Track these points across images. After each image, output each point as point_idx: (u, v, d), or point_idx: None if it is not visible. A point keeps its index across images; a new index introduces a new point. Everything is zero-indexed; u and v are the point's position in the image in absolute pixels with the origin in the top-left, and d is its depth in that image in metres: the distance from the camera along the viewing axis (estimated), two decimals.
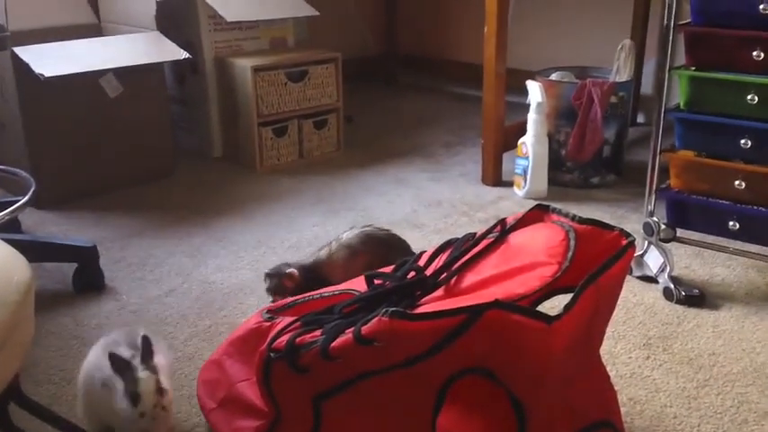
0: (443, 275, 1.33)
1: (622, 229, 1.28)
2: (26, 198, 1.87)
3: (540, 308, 1.23)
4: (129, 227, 2.37)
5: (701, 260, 2.12)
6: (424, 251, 1.48)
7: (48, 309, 1.88)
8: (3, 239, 0.90)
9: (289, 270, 1.81)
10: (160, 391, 1.31)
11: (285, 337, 1.29)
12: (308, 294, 1.52)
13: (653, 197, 1.99)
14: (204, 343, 1.73)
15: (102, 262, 2.02)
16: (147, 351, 1.32)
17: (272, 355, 1.29)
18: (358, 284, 1.47)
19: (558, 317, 1.07)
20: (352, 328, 1.17)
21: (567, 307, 1.09)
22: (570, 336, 1.10)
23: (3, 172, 2.15)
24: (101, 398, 1.32)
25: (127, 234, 2.32)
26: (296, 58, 2.89)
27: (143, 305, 1.91)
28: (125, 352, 1.32)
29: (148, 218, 2.43)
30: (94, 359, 1.38)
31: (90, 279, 1.98)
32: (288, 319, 1.39)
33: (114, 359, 1.29)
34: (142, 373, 1.30)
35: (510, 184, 2.71)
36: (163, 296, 1.96)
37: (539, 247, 1.27)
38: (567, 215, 1.34)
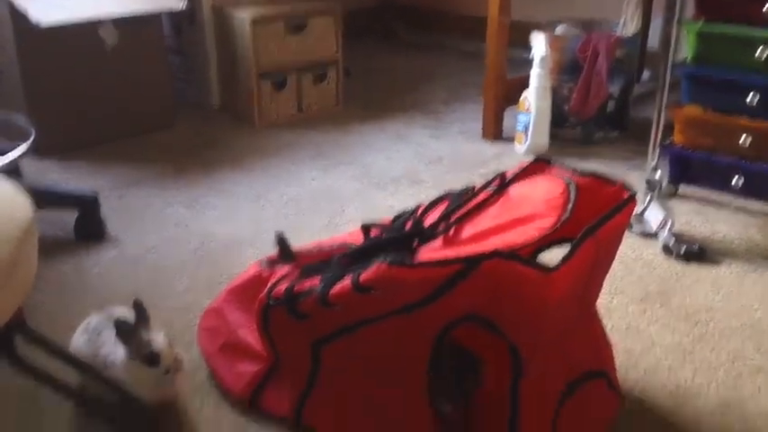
0: (441, 226, 1.33)
1: (624, 183, 1.28)
2: (26, 145, 1.86)
3: (538, 260, 1.23)
4: (129, 176, 2.36)
5: (702, 217, 2.11)
6: (422, 204, 1.48)
7: (49, 256, 1.89)
8: None
9: None
10: (170, 345, 1.31)
11: (284, 285, 1.30)
12: (307, 246, 1.52)
13: (656, 153, 1.99)
14: (203, 291, 1.74)
15: (102, 211, 2.02)
16: (142, 315, 1.31)
17: (271, 301, 1.30)
18: (355, 238, 1.47)
19: (556, 267, 1.07)
20: (351, 276, 1.18)
21: (566, 258, 1.09)
22: (568, 286, 1.10)
23: (2, 119, 2.13)
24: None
25: (126, 183, 2.31)
26: (295, 10, 2.85)
27: (143, 254, 1.92)
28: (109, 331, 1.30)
29: (147, 168, 2.43)
30: (78, 345, 1.36)
31: (91, 227, 1.99)
32: (287, 268, 1.39)
33: (119, 325, 1.27)
34: (150, 334, 1.29)
35: (511, 141, 2.69)
36: (162, 245, 1.96)
37: (538, 198, 1.27)
38: (567, 168, 1.34)
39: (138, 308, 1.30)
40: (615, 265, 1.84)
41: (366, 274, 1.14)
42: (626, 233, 2.01)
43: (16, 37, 2.34)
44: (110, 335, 1.30)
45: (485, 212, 1.32)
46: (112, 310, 1.40)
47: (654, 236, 1.99)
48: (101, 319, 1.36)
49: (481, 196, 1.34)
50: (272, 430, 1.33)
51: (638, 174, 2.33)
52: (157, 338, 1.28)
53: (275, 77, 2.82)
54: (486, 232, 1.26)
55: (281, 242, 1.39)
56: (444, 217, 1.34)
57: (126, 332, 1.27)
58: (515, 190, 1.32)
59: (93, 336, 1.33)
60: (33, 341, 0.83)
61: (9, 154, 1.79)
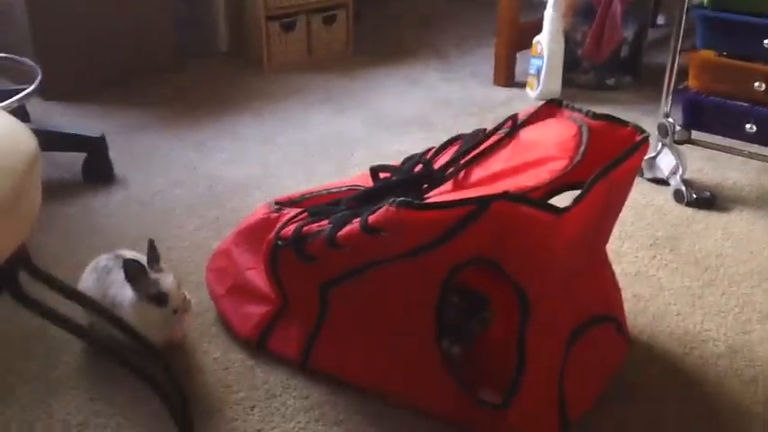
0: (451, 169, 1.31)
1: (636, 125, 1.26)
2: (33, 86, 1.85)
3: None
4: (136, 120, 2.35)
5: (714, 163, 2.09)
6: (432, 147, 1.47)
7: (57, 198, 1.89)
8: None
9: None
10: (179, 286, 1.31)
11: (292, 226, 1.30)
12: (315, 189, 1.52)
13: (669, 98, 1.95)
14: (212, 233, 1.74)
15: (110, 154, 2.01)
16: (153, 254, 1.31)
17: (279, 242, 1.29)
18: (364, 181, 1.46)
19: (567, 209, 1.06)
20: (359, 218, 1.17)
21: (577, 199, 1.07)
22: (578, 229, 1.09)
23: (9, 60, 2.11)
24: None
25: (134, 127, 2.30)
26: None
27: (151, 196, 1.91)
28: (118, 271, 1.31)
29: (155, 111, 2.41)
30: (86, 284, 1.36)
31: (99, 169, 1.98)
32: (295, 210, 1.39)
33: (128, 265, 1.27)
34: (158, 274, 1.29)
35: (522, 86, 2.65)
36: (170, 188, 1.96)
37: (550, 141, 1.25)
38: (580, 111, 1.32)
39: (151, 247, 1.31)
40: (625, 210, 1.83)
41: (375, 216, 1.13)
42: (637, 179, 1.99)
43: None
44: (118, 275, 1.31)
45: (496, 155, 1.30)
46: (121, 251, 1.40)
47: (665, 182, 1.97)
48: (109, 259, 1.37)
49: (492, 139, 1.32)
50: (279, 372, 1.34)
51: (651, 119, 2.30)
52: (166, 279, 1.29)
53: (284, 19, 2.78)
54: (497, 175, 1.25)
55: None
56: (454, 160, 1.32)
57: (134, 272, 1.27)
58: (527, 133, 1.30)
59: (102, 275, 1.34)
60: (39, 278, 0.84)
61: (15, 97, 1.78)
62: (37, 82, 1.87)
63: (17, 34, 2.43)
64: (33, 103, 2.25)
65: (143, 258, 1.32)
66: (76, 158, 2.00)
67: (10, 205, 0.69)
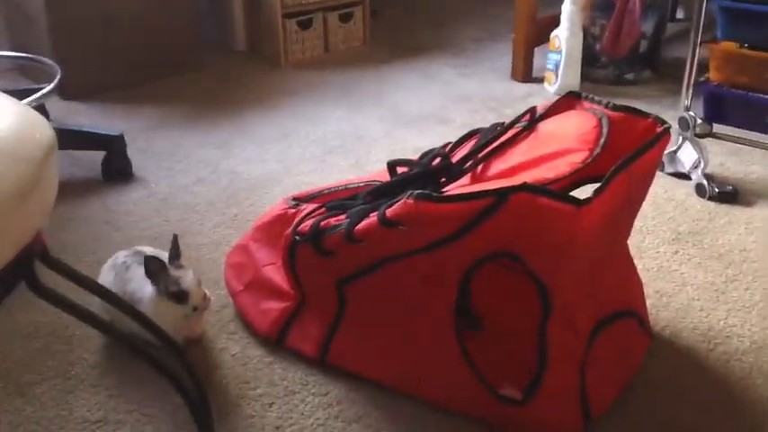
0: (469, 163, 1.30)
1: (657, 116, 1.25)
2: (52, 84, 1.86)
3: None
4: (156, 118, 2.36)
5: (736, 157, 2.06)
6: (450, 142, 1.46)
7: (77, 196, 1.90)
8: None
9: None
10: (199, 283, 1.31)
11: (310, 221, 1.29)
12: (333, 185, 1.51)
13: (690, 91, 1.93)
14: (231, 230, 1.74)
15: (129, 152, 2.02)
16: (175, 251, 1.31)
17: (297, 238, 1.29)
18: (382, 176, 1.45)
19: (587, 200, 1.04)
20: (377, 212, 1.16)
21: (598, 191, 1.06)
22: (599, 221, 1.08)
23: (29, 60, 2.13)
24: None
25: (154, 125, 2.31)
26: None
27: (171, 193, 1.92)
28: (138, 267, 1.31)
29: (174, 110, 2.42)
30: (105, 280, 1.36)
31: (118, 167, 1.99)
32: (313, 206, 1.38)
33: (149, 261, 1.27)
34: (179, 271, 1.29)
35: (541, 81, 2.64)
36: (191, 185, 1.96)
37: (569, 133, 1.24)
38: (600, 102, 1.30)
39: (174, 243, 1.30)
40: (647, 205, 1.82)
41: (392, 209, 1.12)
42: (658, 173, 1.97)
43: None
44: (138, 271, 1.31)
45: (514, 148, 1.29)
46: (140, 247, 1.40)
47: (687, 176, 1.95)
48: (128, 256, 1.37)
49: (511, 132, 1.31)
50: (298, 369, 1.34)
51: (672, 114, 2.27)
52: (186, 276, 1.29)
53: (301, 16, 2.78)
54: (515, 168, 1.24)
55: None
56: (472, 153, 1.31)
57: (155, 269, 1.28)
58: (546, 125, 1.29)
59: (121, 271, 1.34)
60: (56, 269, 0.84)
61: (34, 95, 1.79)
62: (56, 81, 1.88)
63: (36, 34, 2.45)
64: (53, 102, 2.27)
65: (162, 254, 1.32)
66: (96, 157, 2.01)
67: (26, 193, 0.69)
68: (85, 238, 1.72)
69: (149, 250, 1.38)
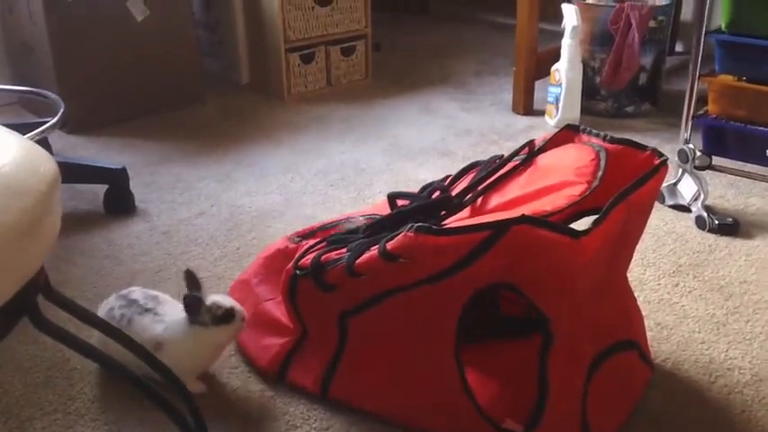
0: (469, 196, 1.31)
1: (655, 149, 1.26)
2: (56, 118, 1.87)
3: None
4: (158, 152, 2.37)
5: (735, 190, 2.07)
6: (450, 175, 1.47)
7: (80, 229, 1.91)
8: None
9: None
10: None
11: (311, 256, 1.30)
12: (334, 220, 1.52)
13: (689, 123, 1.94)
14: (233, 263, 1.75)
15: (132, 185, 2.04)
16: (195, 283, 1.31)
17: (297, 272, 1.29)
18: (382, 209, 1.46)
19: (585, 232, 1.05)
20: (378, 245, 1.17)
21: (597, 222, 1.07)
22: (598, 252, 1.08)
23: (32, 94, 2.15)
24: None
25: (156, 159, 2.32)
26: None
27: (173, 226, 1.93)
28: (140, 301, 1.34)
29: (177, 143, 2.44)
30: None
31: (121, 201, 2.00)
32: (314, 240, 1.39)
33: (188, 299, 1.28)
34: (209, 297, 1.30)
35: (541, 114, 2.66)
36: (192, 218, 1.97)
37: (568, 166, 1.25)
38: (597, 135, 1.31)
39: (190, 277, 1.31)
40: (647, 237, 1.82)
41: (393, 242, 1.13)
42: (658, 206, 1.98)
43: (46, 11, 2.35)
44: (143, 319, 1.31)
45: (513, 181, 1.30)
46: (125, 292, 1.39)
47: (687, 209, 1.96)
48: (122, 307, 1.35)
49: (509, 165, 1.32)
50: (299, 403, 1.33)
51: (671, 146, 2.29)
52: (217, 297, 1.31)
53: (303, 51, 2.81)
54: (514, 201, 1.24)
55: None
56: (472, 186, 1.32)
57: (195, 303, 1.28)
58: (544, 158, 1.30)
59: (124, 325, 1.31)
60: (59, 304, 0.84)
61: (38, 129, 1.80)
62: (59, 115, 1.90)
63: (41, 68, 2.48)
64: (56, 136, 2.29)
65: (149, 293, 1.35)
66: (97, 189, 2.02)
67: (30, 227, 0.70)
68: (87, 272, 1.72)
69: (136, 292, 1.37)
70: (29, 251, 0.70)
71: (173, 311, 1.33)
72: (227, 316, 1.29)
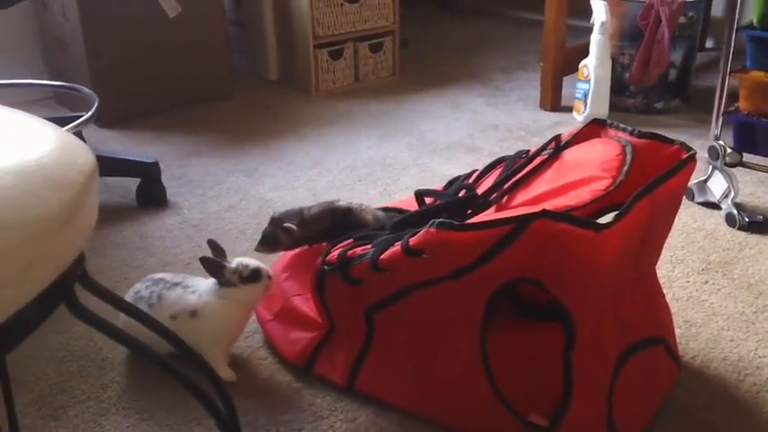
0: (494, 195, 1.32)
1: (683, 143, 1.25)
2: (90, 112, 1.91)
3: None
4: (189, 146, 2.41)
5: (766, 187, 2.05)
6: (476, 170, 1.47)
7: (112, 222, 1.94)
8: None
9: (287, 225, 1.47)
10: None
11: (337, 251, 1.31)
12: None
13: (720, 120, 1.93)
14: (262, 257, 1.76)
15: (163, 178, 2.07)
16: (220, 251, 1.35)
17: (325, 267, 1.31)
18: (409, 205, 1.47)
19: (608, 225, 1.05)
20: (401, 241, 1.18)
21: (619, 215, 1.06)
22: (622, 246, 1.08)
23: (67, 89, 2.19)
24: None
25: (186, 153, 2.36)
26: None
27: (203, 220, 1.95)
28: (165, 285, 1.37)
29: (207, 138, 2.47)
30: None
31: (153, 194, 2.04)
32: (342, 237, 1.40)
33: (208, 262, 1.32)
34: (234, 260, 1.34)
35: (569, 110, 2.65)
36: (222, 212, 2.00)
37: (593, 161, 1.25)
38: (625, 129, 1.31)
39: (214, 245, 1.35)
40: (676, 234, 1.81)
41: (416, 238, 1.14)
42: (688, 203, 1.97)
43: (79, 7, 2.39)
44: (172, 292, 1.35)
45: (539, 178, 1.30)
46: (151, 276, 1.42)
47: (716, 206, 1.94)
48: (149, 287, 1.38)
49: (536, 161, 1.33)
50: (326, 395, 1.35)
51: (701, 143, 2.26)
52: (242, 259, 1.35)
53: (332, 47, 2.83)
54: (540, 197, 1.25)
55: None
56: (498, 185, 1.33)
57: (216, 265, 1.32)
58: (570, 153, 1.30)
59: (154, 301, 1.36)
60: (95, 292, 0.86)
61: (72, 123, 1.84)
62: (94, 109, 1.94)
63: (74, 63, 2.52)
64: (89, 130, 2.33)
65: (176, 278, 1.39)
66: (128, 183, 2.05)
67: (68, 217, 0.72)
68: (120, 263, 1.76)
69: (164, 276, 1.41)
70: (68, 240, 0.72)
71: (200, 283, 1.37)
72: (254, 275, 1.33)
